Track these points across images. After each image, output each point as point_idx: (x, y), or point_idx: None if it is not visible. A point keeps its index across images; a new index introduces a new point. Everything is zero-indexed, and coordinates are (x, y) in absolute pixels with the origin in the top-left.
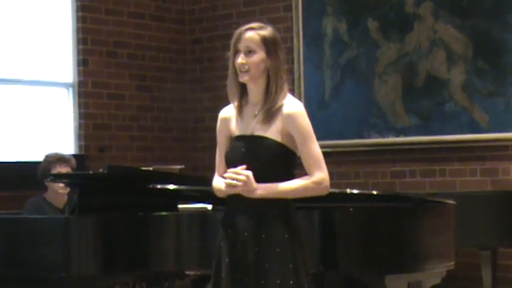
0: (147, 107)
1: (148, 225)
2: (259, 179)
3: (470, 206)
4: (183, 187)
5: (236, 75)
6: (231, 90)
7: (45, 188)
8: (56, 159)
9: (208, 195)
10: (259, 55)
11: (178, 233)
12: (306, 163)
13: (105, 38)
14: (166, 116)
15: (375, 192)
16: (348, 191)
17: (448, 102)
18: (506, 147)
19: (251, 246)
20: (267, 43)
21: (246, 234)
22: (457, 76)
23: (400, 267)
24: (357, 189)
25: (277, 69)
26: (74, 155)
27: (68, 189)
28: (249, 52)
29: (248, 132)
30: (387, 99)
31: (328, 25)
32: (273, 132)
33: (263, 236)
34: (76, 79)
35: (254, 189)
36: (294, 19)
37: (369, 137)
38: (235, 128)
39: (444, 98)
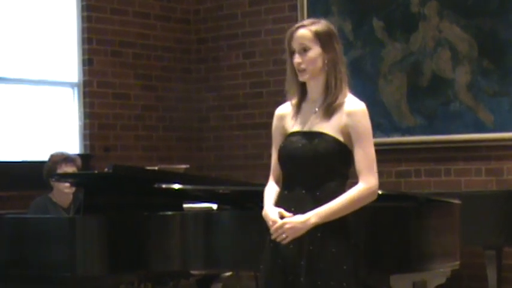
0: (152, 107)
1: (153, 224)
2: (313, 174)
3: (476, 205)
4: (188, 187)
5: (295, 75)
6: (291, 90)
7: (51, 188)
8: (61, 158)
9: (214, 195)
10: (315, 51)
11: (183, 232)
12: (358, 164)
13: (110, 37)
14: (171, 115)
15: (380, 192)
16: None
17: (453, 101)
18: (511, 147)
19: (306, 245)
20: (321, 38)
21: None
22: (462, 76)
23: (404, 266)
24: None
25: (335, 62)
26: (79, 155)
27: (74, 189)
28: (304, 50)
29: (306, 128)
30: (392, 99)
31: (333, 25)
32: (332, 128)
33: (318, 234)
34: (81, 79)
35: (305, 226)
36: (299, 19)
37: (374, 136)
38: (291, 125)
39: (449, 97)
